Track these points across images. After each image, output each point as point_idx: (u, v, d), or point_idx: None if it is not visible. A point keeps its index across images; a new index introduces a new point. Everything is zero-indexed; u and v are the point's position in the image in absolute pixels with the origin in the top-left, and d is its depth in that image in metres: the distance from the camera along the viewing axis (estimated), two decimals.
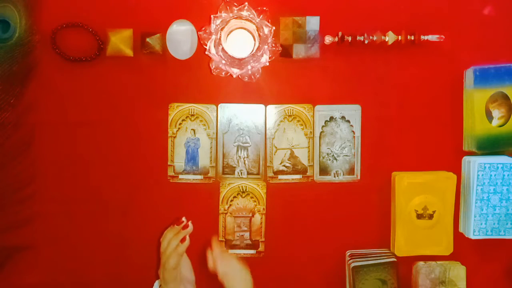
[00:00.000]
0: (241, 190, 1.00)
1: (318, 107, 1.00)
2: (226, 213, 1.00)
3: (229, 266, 0.86)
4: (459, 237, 0.99)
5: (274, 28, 0.95)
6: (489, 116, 0.96)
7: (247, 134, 1.00)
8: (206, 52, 0.95)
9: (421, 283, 0.99)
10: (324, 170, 1.00)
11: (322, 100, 1.00)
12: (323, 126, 1.00)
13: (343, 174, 1.00)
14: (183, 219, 0.86)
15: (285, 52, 0.98)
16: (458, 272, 0.99)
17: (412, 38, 0.96)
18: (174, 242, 0.84)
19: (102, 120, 0.99)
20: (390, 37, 0.96)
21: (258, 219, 1.00)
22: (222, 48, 0.93)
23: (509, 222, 0.97)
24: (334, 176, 1.00)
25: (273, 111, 1.00)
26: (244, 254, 1.00)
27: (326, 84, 1.00)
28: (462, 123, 0.99)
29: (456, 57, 0.99)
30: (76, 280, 1.00)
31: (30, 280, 0.99)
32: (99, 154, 0.99)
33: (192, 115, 0.99)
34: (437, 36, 0.96)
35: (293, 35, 0.97)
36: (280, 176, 1.00)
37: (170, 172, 1.00)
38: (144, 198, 1.00)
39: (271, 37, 0.95)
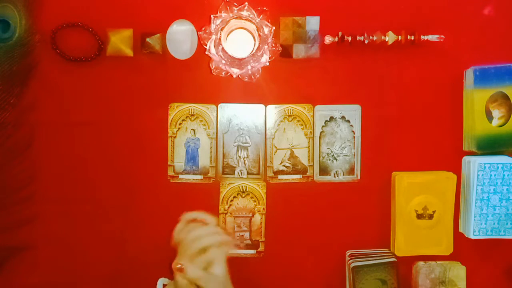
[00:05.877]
0: (241, 190, 1.00)
1: (318, 107, 1.00)
2: (226, 213, 1.00)
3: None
4: (459, 237, 0.99)
5: (274, 28, 0.95)
6: (489, 116, 0.96)
7: (247, 134, 1.00)
8: (206, 52, 0.95)
9: (421, 283, 0.99)
10: (324, 170, 1.00)
11: (322, 100, 1.00)
12: (323, 126, 1.00)
13: (343, 174, 1.00)
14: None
15: (285, 52, 0.98)
16: (458, 272, 0.99)
17: (412, 38, 0.96)
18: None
19: (102, 120, 0.99)
20: (390, 37, 0.96)
21: (258, 219, 1.00)
22: (222, 48, 0.93)
23: (509, 222, 0.97)
24: (334, 176, 1.00)
25: (273, 111, 1.00)
26: (244, 254, 1.00)
27: (326, 84, 1.00)
28: (462, 123, 0.99)
29: (456, 57, 0.99)
30: (76, 280, 0.99)
31: (30, 280, 0.99)
32: (99, 154, 0.99)
33: (192, 115, 0.99)
34: (437, 36, 0.96)
35: (293, 35, 0.97)
36: (280, 176, 1.00)
37: (170, 172, 1.00)
38: (144, 198, 1.00)
39: (271, 37, 0.95)
